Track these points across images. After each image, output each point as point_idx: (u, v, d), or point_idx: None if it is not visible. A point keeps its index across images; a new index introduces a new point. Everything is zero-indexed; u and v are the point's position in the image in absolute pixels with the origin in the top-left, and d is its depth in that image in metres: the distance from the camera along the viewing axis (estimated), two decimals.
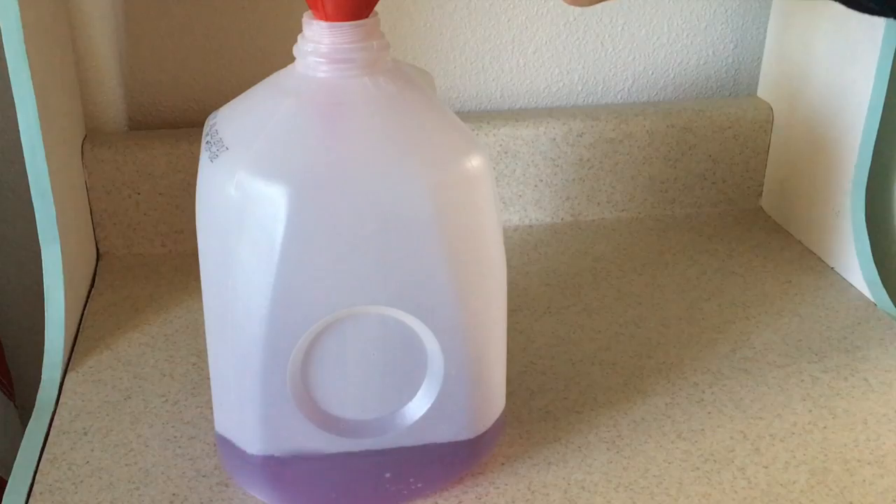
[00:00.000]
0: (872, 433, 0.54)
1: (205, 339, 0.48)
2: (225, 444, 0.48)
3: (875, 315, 0.65)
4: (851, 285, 0.68)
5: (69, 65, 0.68)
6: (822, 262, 0.72)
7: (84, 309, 0.65)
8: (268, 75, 0.46)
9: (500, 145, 0.74)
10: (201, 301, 0.47)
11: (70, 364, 0.59)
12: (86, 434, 0.53)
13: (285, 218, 0.41)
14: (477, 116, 0.75)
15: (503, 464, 0.51)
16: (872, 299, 0.66)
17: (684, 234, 0.76)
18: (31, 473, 0.50)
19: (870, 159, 0.67)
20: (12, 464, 0.51)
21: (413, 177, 0.42)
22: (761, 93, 0.79)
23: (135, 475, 0.50)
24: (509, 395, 0.56)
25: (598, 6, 0.75)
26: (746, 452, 0.52)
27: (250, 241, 0.42)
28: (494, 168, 0.75)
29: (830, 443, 0.53)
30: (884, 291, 0.66)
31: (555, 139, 0.75)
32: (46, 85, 0.59)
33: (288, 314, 0.43)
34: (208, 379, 0.48)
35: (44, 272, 0.58)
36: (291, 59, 0.44)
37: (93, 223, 0.71)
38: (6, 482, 0.51)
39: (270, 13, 0.71)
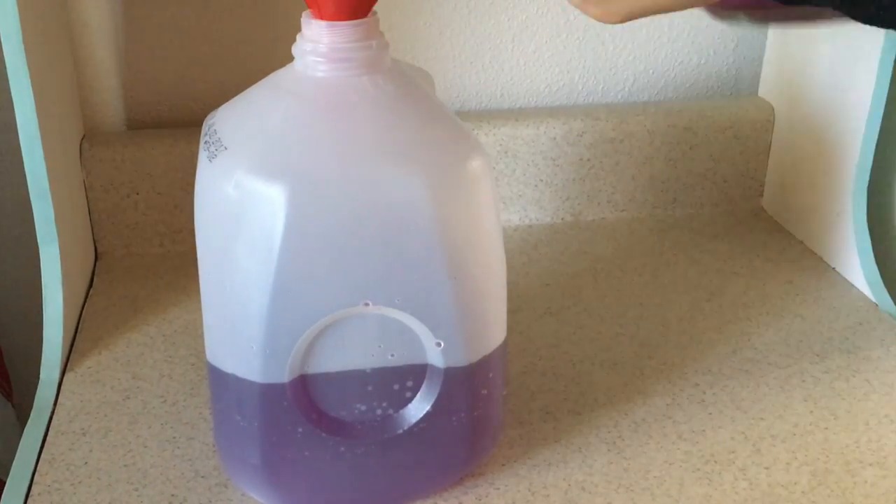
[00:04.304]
0: (874, 434, 0.54)
1: (203, 340, 0.47)
2: (224, 446, 0.48)
3: (877, 316, 0.65)
4: (853, 286, 0.68)
5: (68, 65, 0.68)
6: (824, 262, 0.72)
7: (82, 309, 0.65)
8: (267, 75, 0.46)
9: (500, 145, 0.74)
10: (200, 301, 0.46)
11: (68, 364, 0.59)
12: (84, 435, 0.53)
13: (284, 217, 0.41)
14: (477, 116, 0.75)
15: (503, 465, 0.51)
16: (874, 300, 0.66)
17: (685, 234, 0.76)
18: (30, 474, 0.50)
19: (871, 159, 0.66)
20: (11, 464, 0.51)
21: (412, 177, 0.42)
22: (762, 92, 0.79)
23: (133, 476, 0.50)
24: (509, 395, 0.56)
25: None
26: (748, 453, 0.52)
27: (249, 241, 0.42)
28: (494, 168, 0.74)
29: (832, 444, 0.53)
30: (885, 292, 0.66)
31: (555, 139, 0.74)
32: (45, 85, 0.59)
33: (287, 314, 0.42)
34: (206, 379, 0.48)
35: (42, 272, 0.58)
36: (290, 58, 0.44)
37: (91, 223, 0.71)
38: (5, 483, 0.51)
39: (269, 12, 0.71)
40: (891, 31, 0.62)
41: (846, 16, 0.37)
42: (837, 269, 0.70)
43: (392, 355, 0.44)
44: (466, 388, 0.46)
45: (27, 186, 0.57)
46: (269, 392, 0.44)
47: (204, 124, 0.46)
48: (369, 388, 0.45)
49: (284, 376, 0.43)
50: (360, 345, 0.44)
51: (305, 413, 0.44)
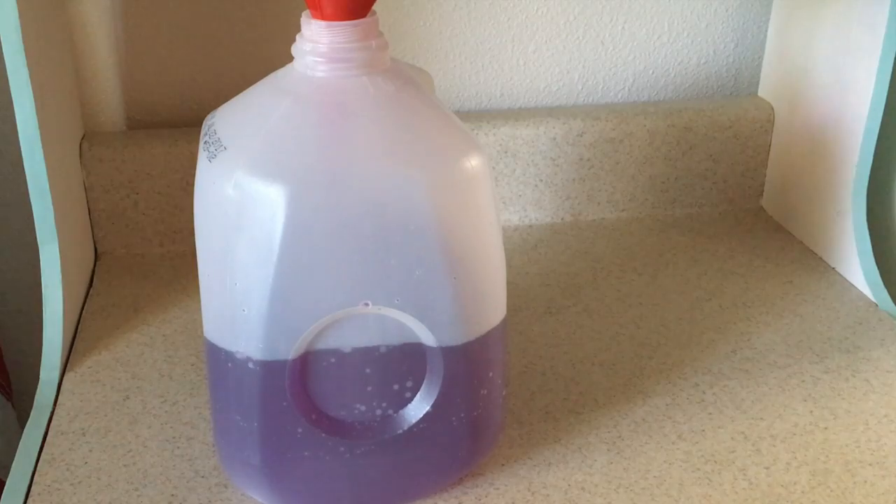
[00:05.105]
0: (874, 434, 0.54)
1: (203, 340, 0.47)
2: (223, 446, 0.48)
3: (876, 315, 0.65)
4: (853, 285, 0.68)
5: (67, 64, 0.68)
6: (824, 262, 0.72)
7: (82, 309, 0.65)
8: (266, 75, 0.46)
9: (500, 145, 0.74)
10: (200, 301, 0.46)
11: (68, 364, 0.59)
12: (84, 435, 0.53)
13: (284, 218, 0.41)
14: (476, 116, 0.75)
15: (503, 465, 0.51)
16: (874, 299, 0.66)
17: (685, 234, 0.76)
18: (30, 474, 0.50)
19: (871, 159, 0.66)
20: (10, 464, 0.51)
21: (412, 177, 0.42)
22: (762, 92, 0.79)
23: (133, 476, 0.50)
24: (509, 395, 0.56)
25: (599, 5, 0.75)
26: (747, 453, 0.52)
27: (249, 241, 0.42)
28: (494, 168, 0.74)
29: (832, 444, 0.53)
30: (885, 292, 0.66)
31: (555, 139, 0.74)
32: (45, 84, 0.59)
33: (287, 315, 0.42)
34: (206, 380, 0.48)
35: (42, 272, 0.58)
36: (290, 58, 0.44)
37: (91, 223, 0.71)
38: (4, 483, 0.51)
39: (269, 12, 0.71)
40: (891, 30, 0.62)
41: None
42: (837, 269, 0.70)
43: (391, 355, 0.44)
44: (466, 387, 0.46)
45: (27, 186, 0.57)
46: (269, 393, 0.44)
47: (203, 124, 0.46)
48: (369, 388, 0.45)
49: (284, 376, 0.43)
50: (359, 345, 0.44)
51: (305, 413, 0.44)
